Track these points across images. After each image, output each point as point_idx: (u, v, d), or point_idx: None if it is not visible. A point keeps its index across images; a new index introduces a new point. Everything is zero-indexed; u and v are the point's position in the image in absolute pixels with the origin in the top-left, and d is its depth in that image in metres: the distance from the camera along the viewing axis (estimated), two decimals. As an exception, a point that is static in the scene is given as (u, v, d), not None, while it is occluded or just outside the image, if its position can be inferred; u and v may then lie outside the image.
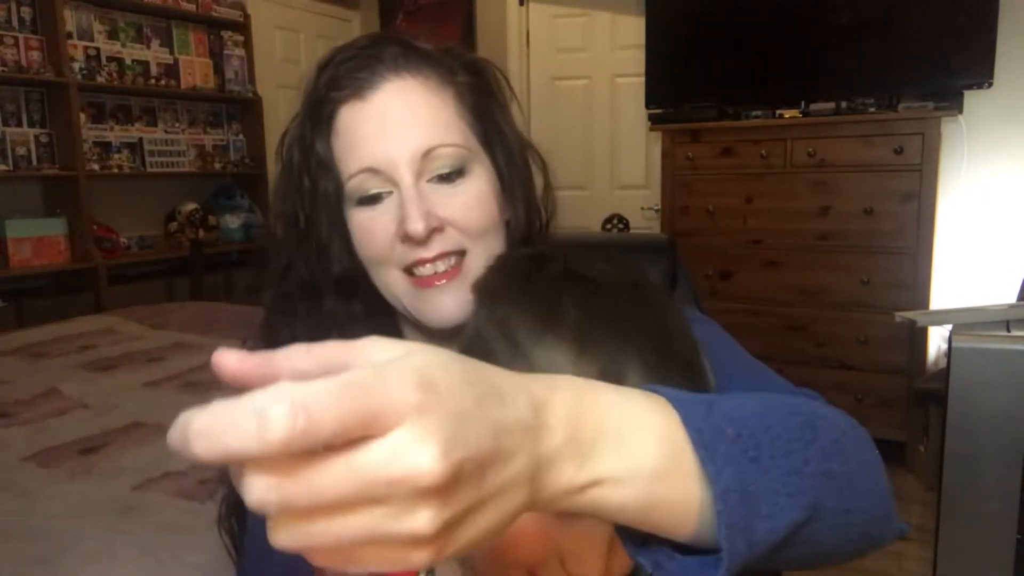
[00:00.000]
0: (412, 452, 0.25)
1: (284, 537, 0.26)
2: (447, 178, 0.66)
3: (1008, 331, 1.43)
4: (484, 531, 0.29)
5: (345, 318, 0.70)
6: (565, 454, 0.31)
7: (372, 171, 0.65)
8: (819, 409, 0.45)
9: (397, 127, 0.65)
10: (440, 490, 0.25)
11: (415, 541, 0.26)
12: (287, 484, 0.24)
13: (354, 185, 0.66)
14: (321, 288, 0.70)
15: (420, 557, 0.27)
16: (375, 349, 0.28)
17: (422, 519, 0.26)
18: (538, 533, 0.44)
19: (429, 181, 0.66)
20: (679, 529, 0.36)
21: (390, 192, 0.66)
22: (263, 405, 0.23)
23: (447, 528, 0.27)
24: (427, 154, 0.65)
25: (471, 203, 0.67)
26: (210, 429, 0.23)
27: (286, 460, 0.24)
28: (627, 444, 0.34)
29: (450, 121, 0.67)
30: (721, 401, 0.39)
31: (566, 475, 0.32)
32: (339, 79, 0.66)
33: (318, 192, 0.68)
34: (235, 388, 0.26)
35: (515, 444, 0.29)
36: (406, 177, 0.64)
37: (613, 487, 0.33)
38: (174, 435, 0.25)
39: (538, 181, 0.77)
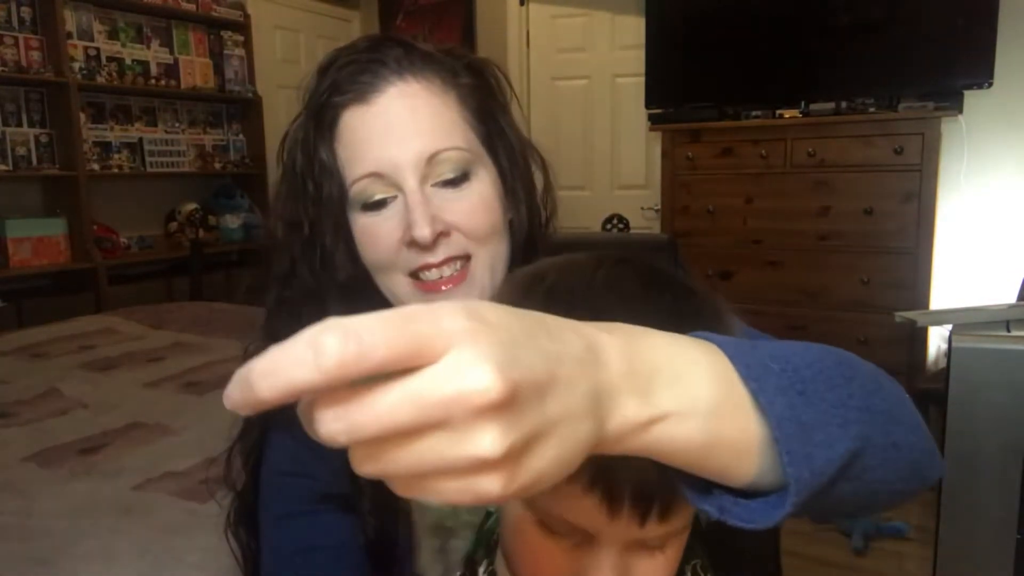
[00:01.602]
0: (467, 371, 0.25)
1: (363, 465, 0.26)
2: (452, 183, 0.66)
3: (1008, 331, 1.43)
4: (553, 462, 0.28)
5: None
6: (626, 388, 0.31)
7: (377, 176, 0.65)
8: (849, 352, 0.45)
9: (401, 131, 0.64)
10: (499, 408, 0.25)
11: (483, 465, 0.26)
12: (351, 412, 0.25)
13: (358, 190, 0.66)
14: (325, 294, 0.69)
15: (491, 484, 0.26)
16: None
17: (486, 440, 0.25)
18: None
19: (434, 185, 0.65)
20: (741, 468, 0.36)
21: (395, 197, 0.65)
22: (316, 335, 0.24)
23: (513, 452, 0.26)
24: (431, 158, 0.64)
25: (476, 207, 0.67)
26: (271, 368, 0.24)
27: (350, 391, 0.25)
28: (683, 380, 0.34)
29: (453, 124, 0.67)
30: (763, 343, 0.39)
31: (631, 409, 0.31)
32: (341, 83, 0.66)
33: (322, 197, 0.67)
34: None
35: (571, 373, 0.29)
36: (411, 182, 0.64)
37: (676, 422, 0.33)
38: (233, 389, 0.25)
39: (538, 181, 0.77)
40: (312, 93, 0.68)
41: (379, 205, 0.66)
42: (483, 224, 0.67)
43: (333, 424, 0.25)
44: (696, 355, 0.35)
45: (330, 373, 0.23)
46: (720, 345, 0.36)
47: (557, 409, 0.28)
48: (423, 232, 0.63)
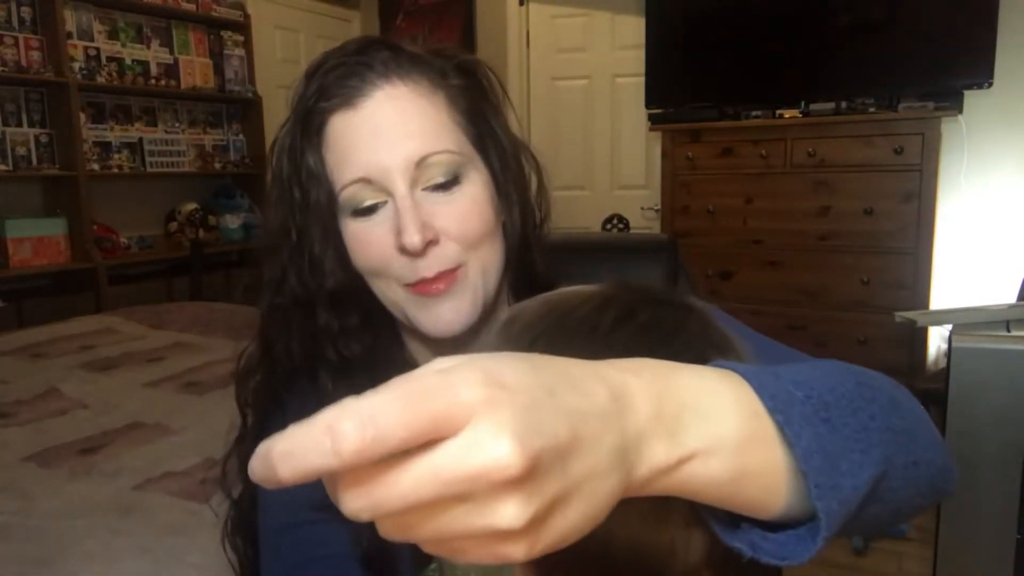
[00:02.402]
0: (487, 445, 0.25)
1: (389, 533, 0.27)
2: (443, 187, 0.65)
3: (1008, 331, 1.43)
4: (578, 521, 0.28)
5: (339, 332, 0.69)
6: (654, 432, 0.31)
7: (366, 181, 0.64)
8: (865, 370, 0.45)
9: (389, 136, 0.64)
10: (521, 481, 0.25)
11: (506, 535, 0.26)
12: (375, 491, 0.25)
13: (348, 196, 0.65)
14: (315, 302, 0.68)
15: (517, 550, 0.27)
16: (439, 362, 0.28)
17: (508, 513, 0.26)
18: None
19: (424, 189, 0.65)
20: (770, 501, 0.35)
21: (385, 202, 0.65)
22: (332, 421, 0.24)
23: (536, 521, 0.26)
24: (421, 162, 0.64)
25: (467, 211, 0.66)
26: (290, 452, 0.24)
27: (372, 469, 0.25)
28: (710, 416, 0.33)
29: (443, 127, 0.66)
30: (784, 370, 0.38)
31: (659, 454, 0.31)
32: (328, 88, 0.65)
33: (309, 204, 0.66)
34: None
35: (596, 430, 0.29)
36: (400, 187, 0.63)
37: (704, 460, 0.33)
38: (256, 465, 0.25)
39: (532, 182, 0.76)
40: (299, 98, 0.67)
41: (369, 211, 0.65)
42: (475, 229, 0.66)
43: (355, 503, 0.26)
44: (722, 389, 0.35)
45: (348, 460, 0.24)
46: (745, 376, 0.36)
47: (581, 469, 0.28)
48: (413, 239, 0.62)
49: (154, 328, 2.32)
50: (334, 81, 0.65)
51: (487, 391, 0.26)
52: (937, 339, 2.81)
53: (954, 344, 1.39)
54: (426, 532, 0.27)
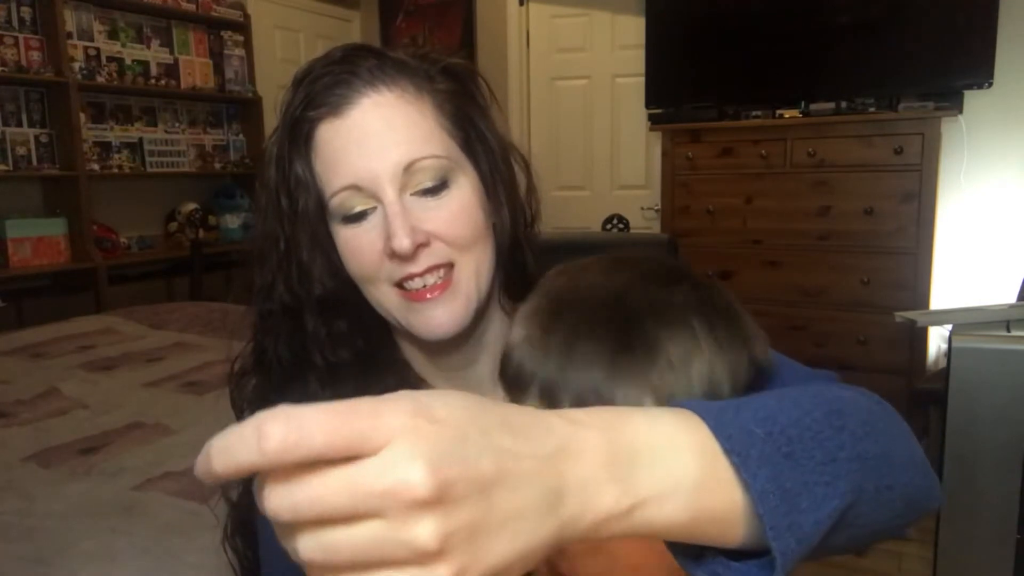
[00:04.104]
0: (400, 467, 0.27)
1: (305, 550, 0.28)
2: (431, 191, 0.65)
3: (1008, 331, 1.43)
4: (505, 556, 0.29)
5: (327, 338, 0.69)
6: (603, 480, 0.32)
7: (355, 188, 0.64)
8: (841, 393, 0.45)
9: (377, 143, 0.64)
10: (432, 503, 0.27)
11: (424, 555, 0.27)
12: (292, 490, 0.27)
13: (337, 203, 0.65)
14: (303, 310, 0.69)
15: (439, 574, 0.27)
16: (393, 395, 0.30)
17: (422, 531, 0.27)
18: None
19: (413, 195, 0.65)
20: (729, 537, 0.36)
21: (374, 208, 0.65)
22: (261, 422, 0.26)
23: (452, 544, 0.27)
24: (408, 168, 0.64)
25: (456, 215, 0.66)
26: (225, 447, 0.27)
27: (294, 471, 0.27)
28: (664, 461, 0.34)
29: (430, 132, 0.66)
30: (747, 403, 0.39)
31: (607, 501, 0.32)
32: (315, 97, 0.65)
33: (297, 212, 0.67)
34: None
35: (527, 470, 0.30)
36: (389, 193, 0.64)
37: (658, 505, 0.33)
38: (200, 461, 0.28)
39: (521, 182, 0.76)
40: (287, 107, 0.68)
41: (359, 217, 0.65)
42: (464, 232, 0.67)
43: (275, 500, 0.27)
44: (676, 435, 0.35)
45: (269, 457, 0.26)
46: (702, 415, 0.36)
47: (506, 505, 0.29)
48: (402, 243, 0.62)
49: (154, 328, 2.33)
50: (321, 90, 0.65)
51: (411, 420, 0.27)
52: (937, 339, 2.81)
53: (954, 344, 1.39)
54: (343, 549, 0.27)
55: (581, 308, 0.49)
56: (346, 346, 0.70)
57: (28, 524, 1.13)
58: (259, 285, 0.71)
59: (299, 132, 0.66)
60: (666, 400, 0.45)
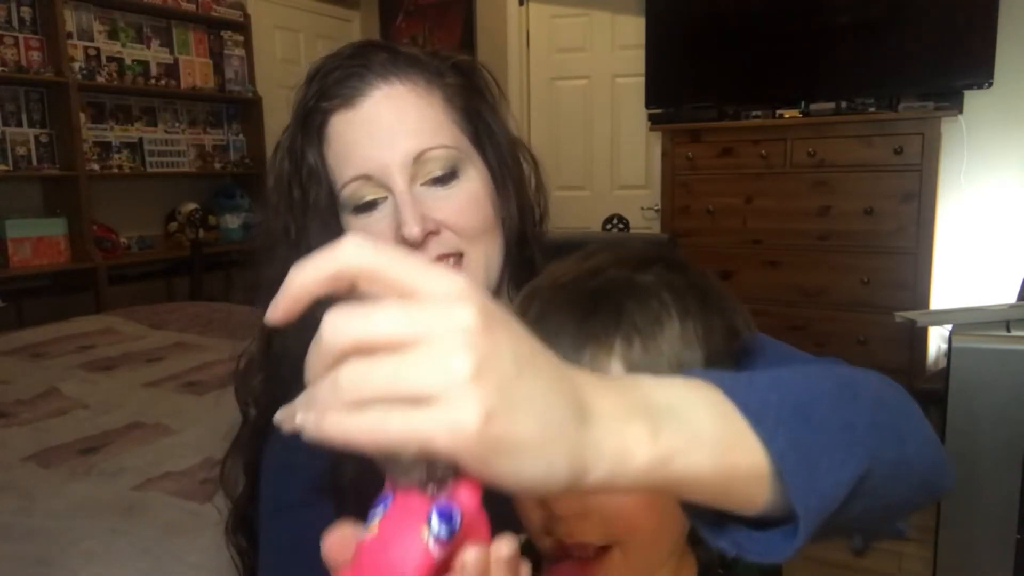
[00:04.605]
0: (455, 304, 0.28)
1: (343, 376, 0.28)
2: (440, 180, 0.66)
3: (1008, 331, 1.43)
4: (530, 435, 0.28)
5: None
6: (628, 419, 0.31)
7: (366, 178, 0.65)
8: (852, 370, 0.45)
9: (387, 133, 0.66)
10: (477, 334, 0.27)
11: (459, 383, 0.26)
12: (351, 314, 0.28)
13: (348, 193, 0.66)
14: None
15: (466, 412, 0.26)
16: None
17: (462, 358, 0.27)
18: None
19: (423, 184, 0.66)
20: (752, 498, 0.35)
21: (385, 198, 0.66)
22: (347, 238, 0.30)
23: (487, 378, 0.27)
24: (418, 158, 0.65)
25: (465, 204, 0.67)
26: (302, 268, 0.30)
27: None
28: (682, 414, 0.33)
29: (440, 123, 0.67)
30: (758, 374, 0.38)
31: (634, 441, 0.31)
32: (328, 89, 0.67)
33: (308, 202, 0.68)
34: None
35: (557, 378, 0.30)
36: (399, 182, 0.65)
37: (685, 456, 0.32)
38: (277, 297, 0.31)
39: (530, 179, 0.77)
40: (300, 100, 0.69)
41: (370, 207, 0.66)
42: (473, 221, 0.67)
43: (337, 319, 0.28)
44: (688, 392, 0.35)
45: (341, 262, 0.29)
46: (716, 382, 0.36)
47: (537, 390, 0.28)
48: (412, 231, 0.63)
49: (154, 328, 2.32)
50: (333, 83, 0.67)
51: (462, 288, 0.29)
52: (937, 339, 2.81)
53: (954, 344, 1.39)
54: (381, 375, 0.27)
55: (552, 288, 0.50)
56: None
57: (28, 524, 1.13)
58: (268, 278, 0.71)
59: (312, 124, 0.68)
60: (633, 368, 0.46)
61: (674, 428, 0.32)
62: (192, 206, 3.77)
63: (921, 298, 2.70)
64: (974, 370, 1.37)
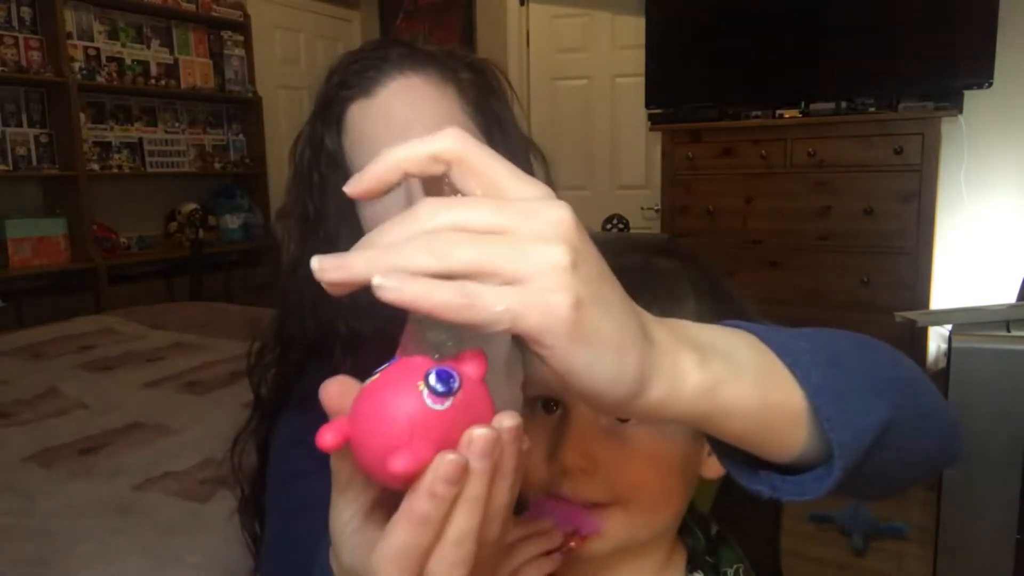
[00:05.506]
0: (549, 203, 0.29)
1: (445, 248, 0.27)
2: None
3: (1008, 331, 1.43)
4: (609, 335, 0.29)
5: (351, 308, 0.71)
6: (679, 345, 0.32)
7: None
8: (866, 335, 0.46)
9: (402, 121, 0.69)
10: (571, 230, 0.28)
11: (554, 270, 0.27)
12: (454, 199, 0.29)
13: None
14: None
15: (560, 297, 0.27)
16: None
17: (558, 248, 0.27)
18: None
19: None
20: (792, 435, 0.36)
21: (398, 184, 0.67)
22: (448, 129, 0.30)
23: (580, 269, 0.27)
24: None
25: None
26: (404, 145, 0.31)
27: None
28: (723, 347, 0.34)
29: (453, 115, 0.71)
30: (786, 330, 0.39)
31: (687, 363, 0.32)
32: (348, 79, 0.72)
33: (327, 186, 0.72)
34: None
35: (626, 299, 0.31)
36: None
37: (730, 386, 0.33)
38: (360, 173, 0.31)
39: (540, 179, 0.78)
40: (321, 91, 0.74)
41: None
42: None
43: (436, 203, 0.29)
44: (726, 332, 0.36)
45: (437, 146, 0.30)
46: (749, 329, 0.37)
47: (613, 299, 0.29)
48: None
49: (154, 328, 2.32)
50: (353, 73, 0.72)
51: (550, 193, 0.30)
52: (937, 339, 2.81)
53: (954, 344, 1.39)
54: (474, 246, 0.27)
55: None
56: (369, 316, 0.72)
57: (28, 524, 1.13)
58: (285, 262, 0.76)
59: (331, 112, 0.73)
60: None
61: (720, 359, 0.33)
62: (192, 206, 3.78)
63: (921, 298, 2.70)
64: (974, 370, 1.37)
